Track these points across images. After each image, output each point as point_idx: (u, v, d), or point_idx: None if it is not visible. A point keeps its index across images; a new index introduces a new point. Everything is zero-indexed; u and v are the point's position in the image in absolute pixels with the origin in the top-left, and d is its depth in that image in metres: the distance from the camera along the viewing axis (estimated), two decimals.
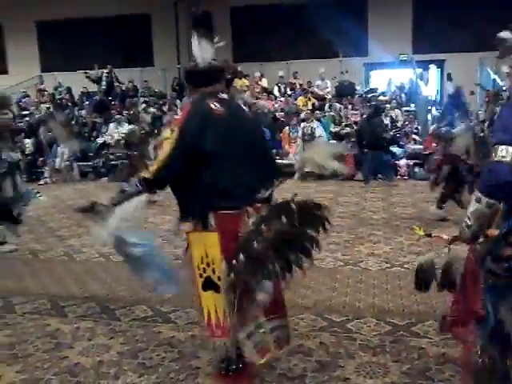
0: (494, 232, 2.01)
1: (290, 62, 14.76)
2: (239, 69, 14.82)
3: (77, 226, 6.70)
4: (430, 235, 2.51)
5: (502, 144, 1.88)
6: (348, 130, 11.15)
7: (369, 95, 12.34)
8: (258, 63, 14.94)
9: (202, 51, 2.55)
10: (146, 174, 2.48)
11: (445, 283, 2.37)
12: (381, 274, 4.42)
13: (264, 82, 14.55)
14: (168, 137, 2.50)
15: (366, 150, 9.49)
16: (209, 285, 2.45)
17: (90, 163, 11.63)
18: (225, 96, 2.62)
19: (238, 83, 14.47)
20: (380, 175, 9.61)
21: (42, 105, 14.84)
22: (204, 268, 2.44)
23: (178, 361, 2.99)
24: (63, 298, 4.09)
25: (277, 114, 12.65)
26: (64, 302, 3.99)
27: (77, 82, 14.57)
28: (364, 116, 10.76)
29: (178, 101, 14.34)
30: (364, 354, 2.98)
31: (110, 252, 5.08)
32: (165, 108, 13.91)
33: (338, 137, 11.34)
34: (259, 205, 2.45)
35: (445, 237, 2.38)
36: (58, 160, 11.32)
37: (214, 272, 2.43)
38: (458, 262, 2.29)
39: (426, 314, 3.45)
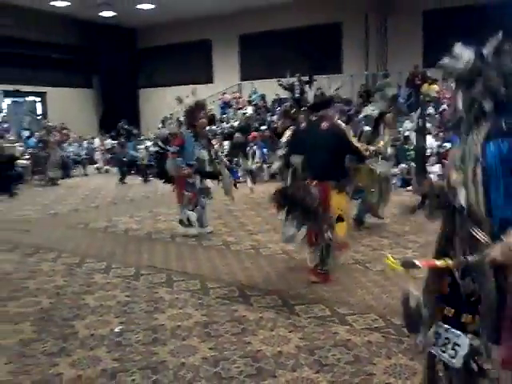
0: None
1: None
2: (429, 74, 14.16)
3: (265, 222, 7.23)
4: (413, 264, 1.96)
5: None
6: None
7: None
8: None
9: None
10: None
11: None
12: None
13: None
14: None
15: None
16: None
17: None
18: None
19: (428, 88, 13.82)
20: None
21: (238, 111, 16.25)
22: None
23: (353, 364, 3.03)
24: (250, 287, 4.46)
25: None
26: (250, 292, 4.35)
27: (271, 89, 15.57)
28: None
29: (365, 107, 14.29)
30: None
31: (292, 250, 5.37)
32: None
33: None
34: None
35: (440, 263, 1.95)
36: (249, 161, 12.31)
37: None
38: None
39: None
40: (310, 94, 4.75)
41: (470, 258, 1.89)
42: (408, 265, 1.96)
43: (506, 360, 1.84)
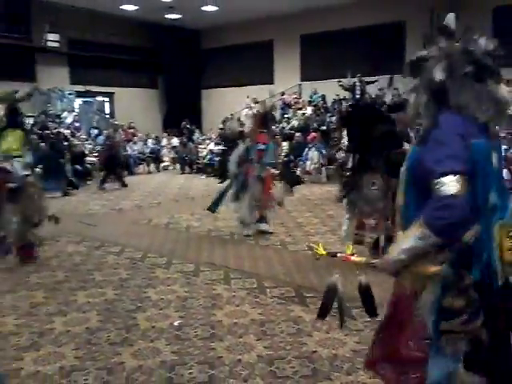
0: (432, 269, 1.74)
1: None
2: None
3: (322, 224, 7.20)
4: (334, 255, 2.33)
5: (452, 174, 1.61)
6: None
7: None
8: None
9: None
10: None
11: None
12: None
13: None
14: None
15: None
16: None
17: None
18: None
19: None
20: None
21: (298, 111, 16.23)
22: None
23: None
24: (306, 288, 4.46)
25: None
26: (307, 293, 4.36)
27: (331, 89, 15.43)
28: None
29: None
30: None
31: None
32: None
33: None
34: None
35: (355, 259, 2.21)
36: (308, 163, 12.30)
37: None
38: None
39: None
40: (388, 96, 5.11)
41: (373, 261, 2.07)
42: (332, 254, 2.39)
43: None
